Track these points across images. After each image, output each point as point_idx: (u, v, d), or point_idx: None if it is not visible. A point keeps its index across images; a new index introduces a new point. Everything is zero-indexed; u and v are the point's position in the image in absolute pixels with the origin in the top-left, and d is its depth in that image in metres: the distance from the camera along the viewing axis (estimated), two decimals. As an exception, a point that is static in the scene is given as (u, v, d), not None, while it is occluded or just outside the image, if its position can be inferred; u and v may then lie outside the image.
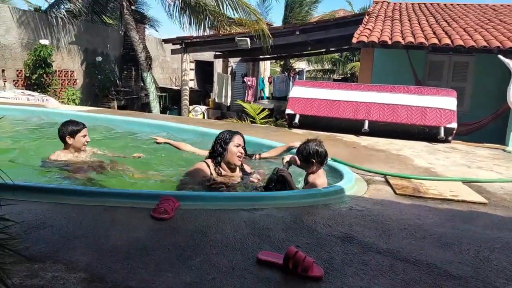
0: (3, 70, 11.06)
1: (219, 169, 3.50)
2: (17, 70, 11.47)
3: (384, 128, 6.37)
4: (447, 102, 6.35)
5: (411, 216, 2.79)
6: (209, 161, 3.54)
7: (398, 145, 5.66)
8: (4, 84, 11.02)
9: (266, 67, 22.97)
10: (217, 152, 3.50)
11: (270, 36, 11.86)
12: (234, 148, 3.47)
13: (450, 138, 6.16)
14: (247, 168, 3.73)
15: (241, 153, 3.50)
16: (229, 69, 18.00)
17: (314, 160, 3.26)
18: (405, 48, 9.54)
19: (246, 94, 17.40)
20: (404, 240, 2.35)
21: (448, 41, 9.24)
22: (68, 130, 3.92)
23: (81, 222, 2.34)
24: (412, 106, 6.39)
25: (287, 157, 3.53)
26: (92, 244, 2.06)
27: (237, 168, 3.59)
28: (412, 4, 14.28)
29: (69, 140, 3.93)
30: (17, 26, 11.49)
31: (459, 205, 3.12)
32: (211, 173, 3.47)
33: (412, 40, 9.40)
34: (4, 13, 11.14)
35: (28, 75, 11.51)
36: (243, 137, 3.59)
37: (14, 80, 11.36)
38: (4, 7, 11.59)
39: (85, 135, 4.01)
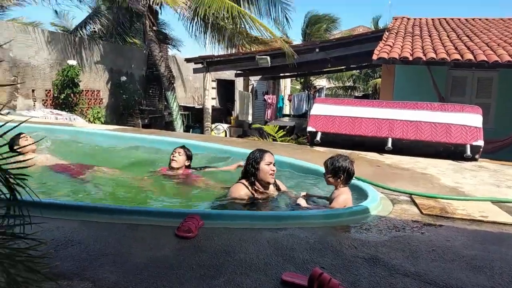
0: (33, 90, 11.46)
1: (254, 188, 3.58)
2: (46, 90, 11.87)
3: (408, 145, 6.28)
4: (473, 119, 6.23)
5: (439, 237, 2.71)
6: (244, 181, 3.62)
7: (423, 164, 5.55)
8: (34, 103, 11.41)
9: (287, 85, 23.09)
10: (250, 172, 3.59)
11: (294, 53, 11.94)
12: (266, 167, 3.55)
13: (477, 156, 6.02)
14: (280, 185, 3.80)
15: (273, 170, 3.59)
16: (250, 87, 18.17)
17: (342, 176, 3.25)
18: (427, 64, 9.44)
19: (266, 112, 17.49)
20: (432, 262, 2.29)
21: (470, 56, 9.10)
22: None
23: (108, 239, 2.38)
24: (436, 123, 6.29)
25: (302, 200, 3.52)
26: (118, 261, 2.09)
27: (271, 185, 3.68)
28: (433, 19, 14.18)
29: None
30: (46, 48, 11.93)
31: (489, 226, 3.03)
32: (250, 192, 3.56)
33: (434, 55, 9.30)
34: (35, 35, 11.62)
35: (56, 94, 11.89)
36: (272, 155, 3.68)
37: (43, 100, 11.75)
38: (34, 30, 12.09)
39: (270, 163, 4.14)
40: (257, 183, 3.58)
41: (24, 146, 4.13)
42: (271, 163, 3.57)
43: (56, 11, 17.35)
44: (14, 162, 1.31)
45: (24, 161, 1.33)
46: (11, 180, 1.30)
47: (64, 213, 2.71)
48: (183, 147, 4.55)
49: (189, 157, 4.51)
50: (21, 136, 4.28)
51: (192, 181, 4.35)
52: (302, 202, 3.39)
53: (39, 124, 7.54)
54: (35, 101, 11.46)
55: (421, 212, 3.25)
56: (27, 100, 11.27)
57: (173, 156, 4.41)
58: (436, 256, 2.38)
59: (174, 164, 4.39)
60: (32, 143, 4.23)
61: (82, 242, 2.31)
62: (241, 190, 3.55)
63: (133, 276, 1.93)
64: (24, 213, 1.33)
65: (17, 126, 1.28)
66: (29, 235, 1.26)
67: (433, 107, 6.68)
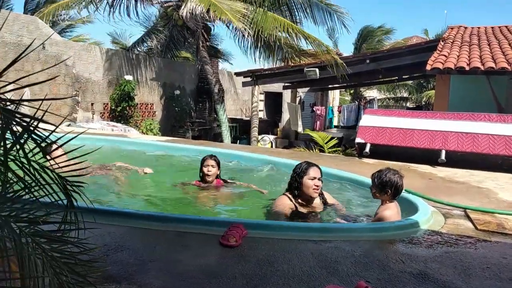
0: (92, 104, 12.21)
1: (298, 201, 3.52)
2: (104, 103, 12.60)
3: (462, 158, 5.98)
4: (536, 130, 5.83)
5: (495, 254, 2.55)
6: (288, 193, 3.58)
7: (479, 177, 5.26)
8: (93, 116, 12.14)
9: (335, 96, 22.84)
10: (294, 185, 3.54)
11: (344, 64, 11.81)
12: (309, 182, 3.45)
13: (539, 169, 5.61)
14: (328, 198, 3.69)
15: (317, 186, 3.46)
16: (298, 99, 18.17)
17: (389, 190, 3.08)
18: (485, 74, 8.98)
19: (315, 123, 17.38)
20: (486, 280, 2.16)
21: (534, 64, 8.55)
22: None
23: (155, 246, 2.47)
24: (495, 135, 5.95)
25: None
26: (164, 268, 2.16)
27: (317, 200, 3.57)
28: (492, 28, 13.46)
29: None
30: (105, 64, 12.69)
31: (552, 244, 2.81)
32: (293, 205, 3.52)
33: (493, 65, 8.83)
34: (95, 52, 12.41)
35: (113, 107, 12.58)
36: (319, 168, 3.56)
37: (100, 113, 12.47)
38: (95, 47, 12.91)
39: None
40: (301, 196, 3.51)
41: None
42: (315, 178, 3.45)
43: (109, 34, 18.44)
44: (72, 170, 1.40)
45: (81, 169, 1.43)
46: (68, 187, 1.40)
47: (116, 220, 2.85)
48: (213, 157, 4.39)
49: (219, 166, 4.42)
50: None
51: (228, 192, 4.39)
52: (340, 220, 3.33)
53: (96, 135, 7.99)
54: (93, 113, 12.19)
55: (476, 228, 3.08)
56: (86, 113, 12.01)
57: (207, 171, 4.28)
58: (491, 273, 2.24)
59: (209, 179, 4.30)
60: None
61: (131, 247, 2.41)
62: (285, 203, 3.50)
63: (178, 282, 1.99)
64: (78, 219, 1.42)
65: (75, 137, 1.37)
66: (82, 240, 1.34)
67: (491, 118, 6.33)
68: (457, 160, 5.96)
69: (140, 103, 13.74)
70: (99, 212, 2.67)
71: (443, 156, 6.00)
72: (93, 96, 12.25)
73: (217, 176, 4.40)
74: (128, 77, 12.59)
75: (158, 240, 2.57)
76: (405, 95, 26.94)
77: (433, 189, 4.40)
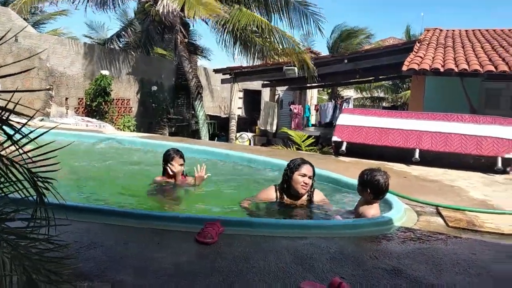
0: (66, 98, 11.92)
1: (283, 195, 3.61)
2: (79, 98, 12.32)
3: (436, 157, 6.13)
4: (505, 131, 6.03)
5: (465, 250, 2.63)
6: (278, 185, 3.68)
7: (451, 176, 5.40)
8: (67, 111, 11.86)
9: (313, 95, 23.03)
10: (284, 178, 3.62)
11: (315, 68, 12.02)
12: (299, 177, 3.50)
13: (508, 169, 5.80)
14: (316, 196, 3.70)
15: (305, 183, 3.51)
16: (276, 97, 18.23)
17: (368, 189, 3.11)
18: (459, 75, 9.23)
19: (293, 121, 17.48)
20: (456, 276, 2.21)
21: (505, 68, 8.82)
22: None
23: (129, 243, 2.43)
24: (467, 135, 6.12)
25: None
26: (138, 265, 2.12)
27: (304, 196, 3.61)
28: (466, 31, 13.84)
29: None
30: (81, 58, 12.41)
31: (519, 241, 2.91)
32: (277, 198, 3.61)
33: (466, 67, 9.08)
34: (70, 46, 12.13)
35: (88, 103, 12.32)
36: (313, 167, 3.60)
37: (75, 108, 12.19)
38: (71, 41, 12.61)
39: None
40: (289, 191, 3.58)
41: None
42: (306, 175, 3.50)
43: (87, 24, 18.05)
44: (42, 166, 1.36)
45: (51, 165, 1.38)
46: (39, 183, 1.36)
47: (89, 216, 2.78)
48: (179, 153, 4.15)
49: (184, 160, 4.21)
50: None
51: (197, 188, 4.19)
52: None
53: (70, 130, 7.82)
54: (67, 108, 11.91)
55: (447, 225, 3.16)
56: (60, 108, 11.72)
57: (177, 168, 4.06)
58: (461, 269, 2.30)
59: (178, 176, 4.10)
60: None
61: (104, 245, 2.36)
62: (270, 192, 3.63)
63: (152, 279, 1.97)
64: (49, 215, 1.38)
65: (47, 132, 1.33)
66: (53, 237, 1.31)
67: (464, 119, 6.51)
68: (431, 159, 6.10)
69: (116, 99, 13.50)
70: (71, 209, 2.61)
71: (417, 155, 6.13)
72: (67, 90, 11.96)
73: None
74: (105, 72, 12.34)
75: (133, 238, 2.53)
76: (381, 95, 27.40)
77: (407, 187, 4.49)
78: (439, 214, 3.48)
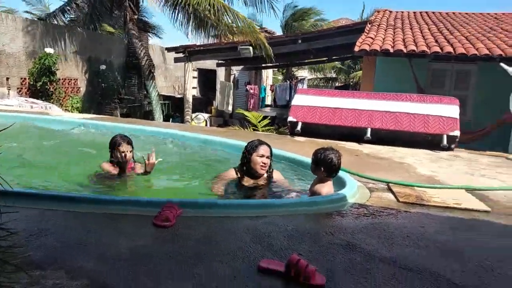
0: (7, 78, 11.14)
1: (243, 175, 3.69)
2: (21, 78, 11.55)
3: (386, 136, 6.37)
4: (450, 110, 6.35)
5: (414, 224, 2.77)
6: (238, 167, 3.74)
7: (401, 153, 5.65)
8: (8, 92, 11.09)
9: (269, 75, 23.06)
10: (243, 160, 3.69)
11: (270, 48, 11.99)
12: (257, 158, 3.60)
13: (453, 146, 6.15)
14: (275, 176, 3.79)
15: (264, 163, 3.60)
16: (232, 77, 18.07)
17: (322, 168, 3.19)
18: (407, 56, 9.57)
19: (249, 102, 17.46)
20: (407, 248, 2.34)
21: (450, 49, 9.26)
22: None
23: (84, 229, 2.34)
24: (415, 114, 6.39)
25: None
26: (94, 251, 2.06)
27: (263, 177, 3.71)
28: (414, 13, 14.33)
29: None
30: (22, 35, 11.59)
31: (462, 213, 3.11)
32: (237, 179, 3.68)
33: (414, 48, 9.42)
34: (9, 22, 11.26)
35: (32, 83, 11.59)
36: (270, 148, 3.69)
37: (18, 88, 11.43)
38: (8, 16, 11.71)
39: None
40: (248, 172, 3.66)
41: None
42: (263, 156, 3.60)
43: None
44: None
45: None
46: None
47: (38, 203, 2.65)
48: (126, 139, 3.91)
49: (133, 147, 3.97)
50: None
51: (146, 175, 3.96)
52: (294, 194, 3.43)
53: (12, 112, 7.36)
54: (9, 89, 11.15)
55: (398, 200, 3.31)
56: (1, 88, 10.95)
57: (126, 155, 3.82)
58: (411, 242, 2.43)
59: (127, 163, 3.89)
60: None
61: (56, 231, 2.27)
62: (230, 173, 3.70)
63: (110, 265, 1.91)
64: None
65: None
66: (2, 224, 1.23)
67: (412, 98, 6.78)
68: (382, 137, 6.34)
69: (62, 79, 12.79)
70: (17, 195, 2.48)
71: (368, 134, 6.34)
72: (8, 70, 11.17)
73: None
74: (49, 50, 11.61)
75: (88, 223, 2.44)
76: (334, 75, 27.91)
77: (359, 165, 4.64)
78: (390, 190, 3.64)
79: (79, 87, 13.73)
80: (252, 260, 2.05)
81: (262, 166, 3.60)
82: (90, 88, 14.10)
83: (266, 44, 12.03)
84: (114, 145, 3.85)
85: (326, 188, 3.25)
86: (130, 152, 3.88)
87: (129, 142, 3.88)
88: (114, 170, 3.90)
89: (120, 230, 2.38)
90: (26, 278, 1.70)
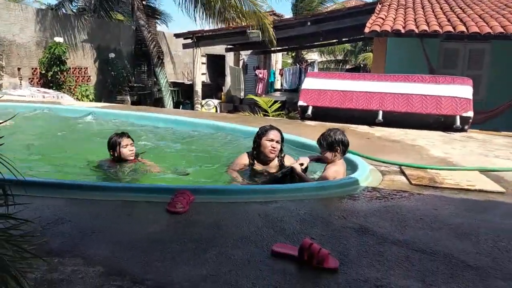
0: (19, 69, 11.24)
1: (254, 161, 3.74)
2: (32, 68, 11.65)
3: (398, 118, 6.30)
4: (463, 90, 6.25)
5: (427, 206, 2.76)
6: (250, 152, 3.81)
7: (413, 135, 5.59)
8: (20, 82, 11.21)
9: (278, 59, 22.84)
10: (254, 145, 3.75)
11: (274, 35, 11.88)
12: (267, 142, 3.64)
13: (466, 127, 6.06)
14: (287, 161, 3.80)
15: (273, 147, 3.65)
16: (241, 62, 17.96)
17: (338, 148, 3.23)
18: (419, 36, 9.38)
19: (257, 86, 17.37)
20: (420, 230, 2.33)
21: (463, 28, 9.05)
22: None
23: (99, 217, 2.38)
24: (427, 95, 6.30)
25: (303, 160, 3.50)
26: (109, 238, 2.10)
27: (275, 161, 3.75)
28: (426, -9, 13.98)
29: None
30: (31, 25, 11.64)
31: (476, 194, 3.08)
32: (249, 164, 3.74)
33: (426, 28, 9.22)
34: (18, 12, 11.30)
35: (43, 72, 11.68)
36: (280, 132, 3.74)
37: (29, 78, 11.54)
38: (17, 5, 11.75)
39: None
40: (259, 156, 3.71)
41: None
42: (273, 140, 3.64)
43: None
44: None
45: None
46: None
47: (54, 191, 2.70)
48: (124, 134, 3.80)
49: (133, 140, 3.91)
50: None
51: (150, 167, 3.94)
52: (297, 166, 3.38)
53: (24, 102, 7.45)
54: (21, 79, 11.26)
55: (410, 183, 3.29)
56: (13, 79, 11.06)
57: (129, 151, 3.77)
58: (424, 224, 2.42)
59: (132, 156, 3.82)
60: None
61: (72, 219, 2.31)
62: (242, 159, 3.77)
63: (125, 251, 1.95)
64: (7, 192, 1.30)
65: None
66: (12, 215, 1.24)
67: (424, 79, 6.67)
68: (393, 120, 6.27)
69: (73, 68, 12.86)
70: (34, 185, 2.52)
71: (380, 117, 6.28)
72: (19, 60, 11.26)
73: None
74: (58, 39, 11.65)
75: (102, 211, 2.48)
76: (345, 58, 27.58)
77: (371, 148, 4.61)
78: (402, 173, 3.61)
79: (90, 76, 13.80)
80: (265, 244, 2.07)
81: (271, 150, 3.65)
82: (100, 76, 14.17)
83: (270, 29, 11.88)
84: (115, 145, 3.74)
85: (341, 167, 3.29)
86: (133, 145, 3.83)
87: (129, 136, 3.82)
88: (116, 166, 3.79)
89: (135, 217, 2.41)
90: (45, 265, 1.75)
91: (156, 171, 3.86)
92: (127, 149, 3.76)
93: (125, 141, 3.76)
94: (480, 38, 8.94)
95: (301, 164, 3.38)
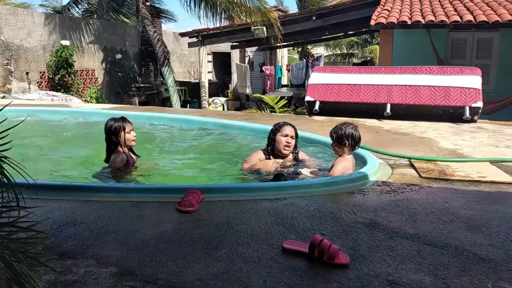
0: (27, 73, 11.36)
1: (270, 157, 3.77)
2: (40, 72, 11.77)
3: (407, 110, 6.25)
4: (472, 80, 6.17)
5: (438, 199, 2.74)
6: (264, 149, 3.85)
7: (422, 128, 5.55)
8: (29, 86, 11.33)
9: (284, 55, 22.79)
10: (268, 141, 3.81)
11: (281, 28, 11.81)
12: (281, 138, 3.70)
13: (476, 117, 6.00)
14: (302, 156, 3.89)
15: (288, 143, 3.70)
16: (247, 59, 17.95)
17: (347, 142, 3.26)
18: (426, 27, 9.29)
19: (265, 83, 17.35)
20: (431, 224, 2.32)
21: (470, 17, 8.93)
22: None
23: (110, 218, 2.40)
24: (435, 86, 6.24)
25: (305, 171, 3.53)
26: (121, 239, 2.12)
27: (290, 157, 3.80)
28: (432, -19, 13.82)
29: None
30: (38, 29, 11.75)
31: (487, 186, 3.05)
32: (266, 158, 3.76)
33: (433, 18, 9.13)
34: (25, 16, 11.42)
35: (51, 76, 11.79)
36: (294, 128, 3.79)
37: (38, 82, 11.66)
38: (24, 11, 11.87)
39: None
40: (273, 152, 3.76)
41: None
42: (287, 135, 3.70)
43: None
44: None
45: (6, 143, 1.30)
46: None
47: (65, 194, 2.73)
48: (124, 118, 3.67)
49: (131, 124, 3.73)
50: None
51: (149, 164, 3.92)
52: (304, 170, 3.48)
53: (34, 106, 7.52)
54: (29, 83, 11.38)
55: (420, 176, 3.27)
56: (21, 83, 11.19)
57: (134, 136, 3.65)
58: (435, 217, 2.41)
59: (135, 142, 3.71)
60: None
61: (84, 221, 2.33)
62: (258, 154, 3.81)
63: (137, 251, 1.97)
64: (18, 196, 1.31)
65: (1, 109, 1.24)
66: (20, 218, 1.24)
67: (432, 70, 6.61)
68: (402, 112, 6.23)
69: (80, 70, 12.97)
70: (46, 188, 2.55)
71: (388, 109, 6.24)
72: (27, 64, 11.39)
73: None
74: (65, 42, 11.76)
75: (113, 212, 2.50)
76: (351, 51, 27.42)
77: (380, 141, 4.59)
78: (412, 166, 3.59)
79: (97, 78, 13.90)
80: (276, 241, 2.07)
81: (286, 146, 3.69)
82: (107, 78, 14.27)
83: (277, 23, 11.84)
84: (119, 130, 3.56)
85: (349, 162, 3.31)
86: (133, 130, 3.68)
87: (129, 121, 3.68)
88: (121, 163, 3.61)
89: (145, 217, 2.43)
90: (58, 267, 1.77)
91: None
92: (131, 135, 3.62)
93: (129, 126, 3.62)
94: (488, 27, 8.83)
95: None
